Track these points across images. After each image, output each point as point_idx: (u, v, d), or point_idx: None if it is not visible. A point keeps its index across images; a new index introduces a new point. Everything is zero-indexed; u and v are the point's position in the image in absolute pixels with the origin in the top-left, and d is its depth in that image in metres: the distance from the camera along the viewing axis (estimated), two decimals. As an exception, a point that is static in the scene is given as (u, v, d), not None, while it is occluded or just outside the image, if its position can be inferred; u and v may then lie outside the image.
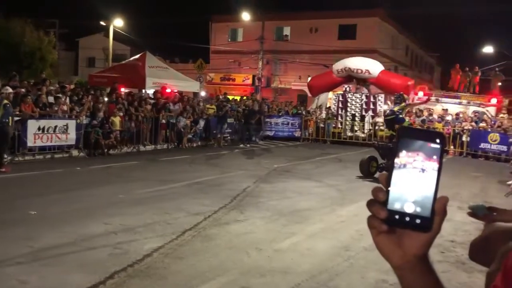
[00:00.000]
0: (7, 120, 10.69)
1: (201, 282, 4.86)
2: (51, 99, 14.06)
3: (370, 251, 5.73)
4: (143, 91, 19.55)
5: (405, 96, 13.14)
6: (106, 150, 14.40)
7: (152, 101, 17.59)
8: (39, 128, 12.87)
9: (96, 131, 14.17)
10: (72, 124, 13.79)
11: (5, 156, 11.12)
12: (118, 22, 31.54)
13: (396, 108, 12.42)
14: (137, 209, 7.71)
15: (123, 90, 18.65)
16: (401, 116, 12.43)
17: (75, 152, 13.86)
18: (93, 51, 45.46)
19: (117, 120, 15.00)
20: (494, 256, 1.17)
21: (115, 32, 31.59)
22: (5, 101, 10.73)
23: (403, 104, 12.46)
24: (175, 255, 5.58)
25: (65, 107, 14.31)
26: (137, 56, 21.78)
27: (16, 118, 11.80)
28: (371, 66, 22.41)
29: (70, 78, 37.55)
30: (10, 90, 11.72)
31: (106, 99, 16.02)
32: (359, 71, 22.39)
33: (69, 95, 15.30)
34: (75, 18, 53.28)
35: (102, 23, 33.24)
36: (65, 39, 45.92)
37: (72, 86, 19.29)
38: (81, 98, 15.47)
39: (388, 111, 13.61)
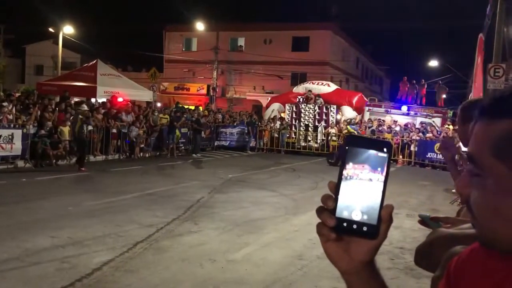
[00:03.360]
0: (83, 131, 13.48)
1: (153, 296, 4.75)
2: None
3: (323, 260, 5.80)
4: (93, 99, 19.04)
5: None
6: (54, 161, 13.89)
7: (103, 110, 17.16)
8: (-19, 138, 12.27)
9: (43, 141, 13.64)
10: (18, 133, 13.20)
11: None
12: (68, 29, 30.60)
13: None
14: (86, 221, 7.46)
15: (74, 99, 18.12)
16: None
17: (20, 163, 13.27)
18: (42, 59, 43.87)
19: (66, 129, 14.50)
20: (439, 261, 1.20)
21: (64, 39, 30.63)
22: (80, 117, 13.51)
23: None
24: (126, 268, 5.43)
25: (10, 116, 13.70)
26: (88, 64, 21.24)
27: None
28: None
29: (16, 86, 36.07)
30: (86, 107, 14.26)
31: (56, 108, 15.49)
32: (319, 83, 24.58)
33: (15, 104, 14.67)
34: (22, 23, 51.24)
35: (51, 29, 32.15)
36: (11, 46, 44.11)
37: (18, 94, 18.54)
38: (28, 107, 14.87)
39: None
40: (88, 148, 15.32)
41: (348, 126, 20.13)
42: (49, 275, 5.09)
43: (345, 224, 0.78)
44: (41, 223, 7.21)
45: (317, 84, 24.95)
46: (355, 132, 19.38)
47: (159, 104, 24.94)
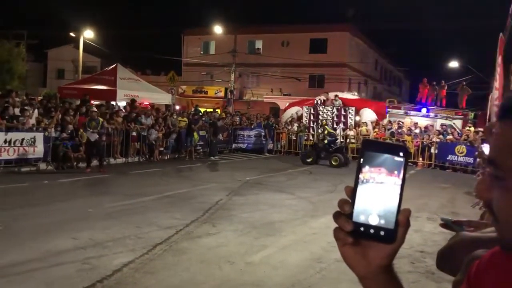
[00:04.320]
0: (90, 131, 13.57)
1: (172, 297, 4.78)
2: (18, 111, 13.72)
3: (342, 263, 5.67)
4: (112, 103, 19.29)
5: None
6: (75, 163, 14.10)
7: (123, 114, 17.38)
8: (5, 141, 12.52)
9: (65, 144, 13.87)
10: (39, 136, 13.46)
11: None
12: (88, 34, 31.08)
13: None
14: (106, 223, 7.56)
15: (94, 102, 18.39)
16: None
17: (42, 166, 13.52)
18: (63, 63, 44.69)
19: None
20: (460, 265, 1.19)
21: (85, 43, 31.12)
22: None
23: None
24: (146, 270, 5.48)
25: (31, 121, 13.95)
26: (108, 68, 21.56)
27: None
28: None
29: (38, 90, 36.75)
30: (95, 109, 14.39)
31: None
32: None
33: (37, 107, 14.96)
34: (44, 29, 52.17)
35: (72, 34, 32.69)
36: (33, 50, 44.95)
37: (40, 98, 18.91)
38: (50, 110, 15.14)
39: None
40: (108, 150, 15.53)
41: (327, 127, 19.88)
42: (71, 275, 5.17)
43: (362, 229, 0.78)
44: (62, 224, 7.33)
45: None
46: (335, 132, 19.25)
47: (177, 107, 25.16)
